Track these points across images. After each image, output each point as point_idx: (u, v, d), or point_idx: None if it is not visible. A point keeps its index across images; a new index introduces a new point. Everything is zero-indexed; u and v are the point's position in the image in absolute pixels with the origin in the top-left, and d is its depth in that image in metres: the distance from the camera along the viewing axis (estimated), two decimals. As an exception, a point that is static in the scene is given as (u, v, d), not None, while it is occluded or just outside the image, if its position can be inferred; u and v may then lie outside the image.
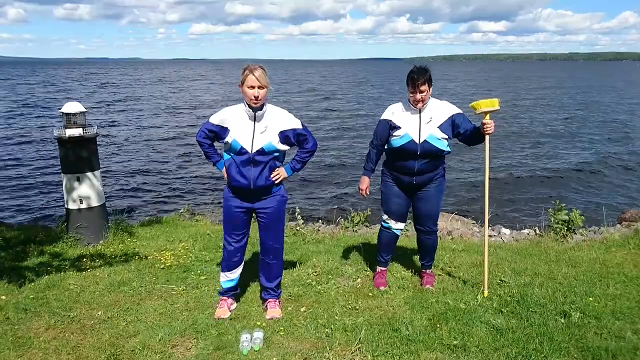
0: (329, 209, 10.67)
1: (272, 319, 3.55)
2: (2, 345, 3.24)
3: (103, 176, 6.23)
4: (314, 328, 3.39)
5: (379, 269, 4.21)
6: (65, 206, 5.65)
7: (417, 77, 3.57)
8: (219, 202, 11.04)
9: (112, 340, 3.29)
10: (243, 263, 3.74)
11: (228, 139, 3.38)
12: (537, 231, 6.15)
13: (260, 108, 3.33)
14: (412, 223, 4.18)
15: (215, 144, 3.59)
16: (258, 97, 3.25)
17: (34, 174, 15.37)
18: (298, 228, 6.09)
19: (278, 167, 3.49)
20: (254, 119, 3.35)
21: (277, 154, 3.43)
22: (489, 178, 3.89)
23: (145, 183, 14.61)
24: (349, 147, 20.18)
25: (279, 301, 3.75)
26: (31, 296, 4.01)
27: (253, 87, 3.24)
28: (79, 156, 5.47)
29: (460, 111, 3.77)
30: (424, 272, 4.21)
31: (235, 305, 3.80)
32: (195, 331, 3.38)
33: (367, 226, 6.57)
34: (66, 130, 5.37)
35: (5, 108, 32.58)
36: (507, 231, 6.59)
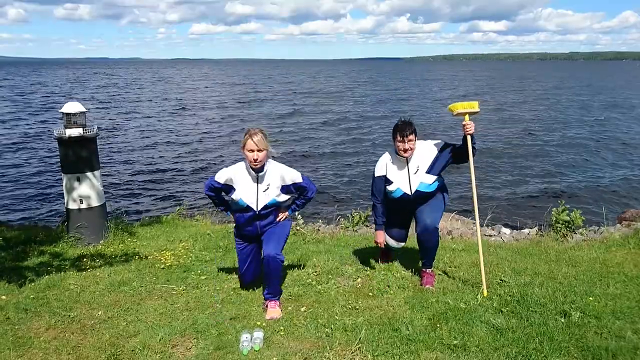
0: (329, 209, 10.67)
1: (271, 319, 3.56)
2: (3, 345, 3.24)
3: (103, 176, 6.23)
4: (314, 328, 3.39)
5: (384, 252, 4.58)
6: (66, 206, 5.66)
7: (404, 129, 3.85)
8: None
9: (113, 340, 3.29)
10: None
11: (234, 196, 3.72)
12: (538, 231, 6.15)
13: (261, 169, 3.62)
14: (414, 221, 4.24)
15: None
16: (257, 159, 3.53)
17: (35, 174, 15.38)
18: (298, 228, 6.09)
19: (279, 211, 3.88)
20: (257, 181, 3.66)
21: (279, 204, 3.80)
22: (479, 178, 4.00)
23: (145, 183, 14.62)
24: (349, 146, 20.18)
25: (279, 301, 3.76)
26: (31, 296, 4.02)
27: (252, 151, 3.51)
28: (79, 156, 5.48)
29: (442, 143, 4.02)
30: (424, 272, 4.22)
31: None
32: (195, 331, 3.38)
33: (367, 226, 6.57)
34: (66, 130, 5.38)
35: (5, 108, 32.58)
36: (507, 231, 6.59)
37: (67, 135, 5.36)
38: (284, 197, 3.76)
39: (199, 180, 14.89)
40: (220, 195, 3.87)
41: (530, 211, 11.48)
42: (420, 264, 4.31)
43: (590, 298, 3.68)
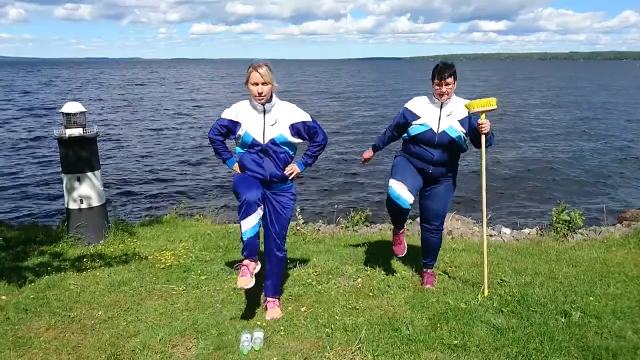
0: (329, 209, 10.66)
1: (272, 319, 3.55)
2: (3, 345, 3.24)
3: (103, 176, 6.23)
4: (315, 328, 3.39)
5: (395, 234, 4.26)
6: (66, 206, 5.66)
7: (444, 70, 3.64)
8: (219, 199, 11.06)
9: (113, 340, 3.29)
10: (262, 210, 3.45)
11: (240, 132, 3.44)
12: (538, 231, 6.15)
13: (269, 101, 3.39)
14: (418, 221, 4.18)
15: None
16: (262, 93, 3.31)
17: (35, 174, 15.38)
18: (298, 228, 6.09)
19: (290, 162, 3.55)
20: (264, 112, 3.41)
21: (288, 147, 3.49)
22: (485, 177, 3.93)
23: (145, 183, 14.62)
24: (349, 146, 20.18)
25: (279, 301, 3.75)
26: (31, 296, 4.02)
27: (257, 84, 3.30)
28: (79, 156, 5.48)
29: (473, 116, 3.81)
30: (425, 272, 4.21)
31: (258, 267, 3.51)
32: (195, 331, 3.38)
33: (367, 226, 6.57)
34: (66, 130, 5.38)
35: (5, 108, 32.60)
36: (507, 231, 6.59)
37: (67, 135, 5.36)
38: (293, 139, 3.46)
39: (199, 180, 14.90)
40: (225, 143, 3.60)
41: (531, 211, 11.48)
42: (421, 264, 4.31)
43: (591, 298, 3.68)
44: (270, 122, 3.41)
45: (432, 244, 4.09)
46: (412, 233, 6.24)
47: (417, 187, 3.87)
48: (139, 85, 62.95)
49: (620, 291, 3.85)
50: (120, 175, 15.43)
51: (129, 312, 3.73)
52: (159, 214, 8.81)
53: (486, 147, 3.75)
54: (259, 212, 3.36)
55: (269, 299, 3.71)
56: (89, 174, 5.54)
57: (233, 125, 3.47)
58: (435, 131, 3.74)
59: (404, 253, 4.28)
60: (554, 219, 5.67)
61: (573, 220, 5.55)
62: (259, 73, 3.27)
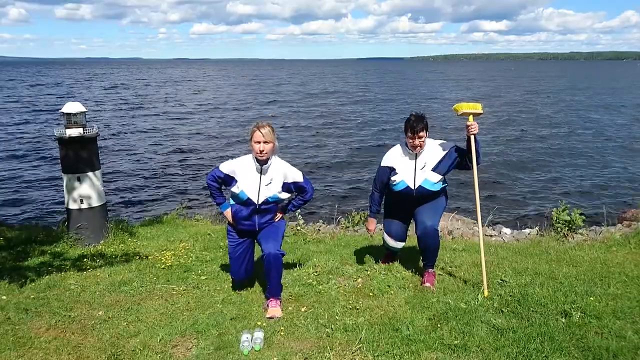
0: (329, 209, 10.66)
1: (272, 318, 3.56)
2: (3, 345, 3.24)
3: (104, 176, 6.23)
4: (315, 328, 3.39)
5: (387, 255, 4.64)
6: (66, 206, 5.66)
7: (416, 125, 3.85)
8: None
9: (113, 340, 3.29)
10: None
11: (235, 189, 3.74)
12: (538, 231, 6.15)
13: (266, 162, 3.67)
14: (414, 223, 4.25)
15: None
16: (263, 151, 3.59)
17: (35, 174, 15.38)
18: (299, 228, 6.09)
19: (278, 209, 3.90)
20: (261, 172, 3.69)
21: (279, 201, 3.84)
22: (480, 178, 4.06)
23: (146, 183, 14.62)
24: (350, 146, 20.18)
25: (280, 301, 3.76)
26: (32, 296, 4.02)
27: (259, 142, 3.57)
28: (79, 156, 5.47)
29: (453, 145, 4.05)
30: (425, 272, 4.24)
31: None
32: (195, 331, 3.38)
33: (367, 226, 6.57)
34: (67, 130, 5.37)
35: (6, 108, 32.60)
36: (508, 231, 6.58)
37: (67, 135, 5.36)
38: (284, 195, 3.80)
39: (200, 180, 14.89)
40: (221, 188, 3.88)
41: (531, 211, 11.48)
42: (421, 264, 4.31)
43: (591, 298, 3.68)
44: (265, 182, 3.71)
45: (430, 247, 4.15)
46: (412, 233, 6.23)
47: (404, 231, 4.38)
48: (139, 85, 62.94)
49: (621, 291, 3.85)
50: (121, 175, 15.43)
51: (130, 312, 3.74)
52: (159, 214, 8.81)
53: (476, 157, 3.91)
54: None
55: (269, 298, 3.73)
56: (90, 174, 5.54)
57: (229, 180, 3.76)
58: (413, 187, 4.03)
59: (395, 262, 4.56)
60: (555, 219, 5.67)
61: (573, 221, 5.54)
62: (261, 133, 3.56)
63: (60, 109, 5.56)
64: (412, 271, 4.42)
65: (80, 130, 5.41)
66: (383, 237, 4.49)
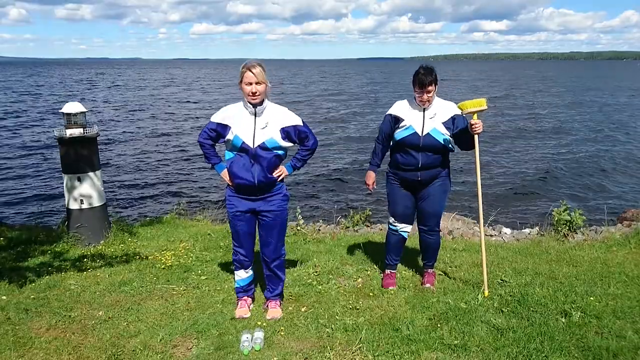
0: (329, 209, 10.66)
1: (272, 319, 3.55)
2: (4, 345, 3.24)
3: (104, 176, 6.23)
4: (315, 328, 3.39)
5: (388, 271, 4.21)
6: (66, 206, 5.66)
7: (424, 78, 3.64)
8: (219, 201, 11.04)
9: (113, 341, 3.29)
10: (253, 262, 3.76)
11: (229, 136, 3.41)
12: (538, 231, 6.14)
13: (260, 104, 3.37)
14: (415, 222, 4.21)
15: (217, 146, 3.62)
16: (256, 92, 3.29)
17: (35, 174, 15.38)
18: (299, 228, 6.09)
19: (279, 165, 3.52)
20: (255, 114, 3.38)
21: (278, 150, 3.45)
22: (481, 177, 3.98)
23: (146, 183, 14.61)
24: (350, 146, 20.18)
25: (281, 302, 3.75)
26: (32, 296, 4.02)
27: (250, 84, 3.28)
28: (79, 156, 5.47)
29: (461, 114, 3.83)
30: (425, 272, 4.23)
31: (252, 305, 3.79)
32: (196, 331, 3.39)
33: (367, 226, 6.57)
34: (67, 130, 5.37)
35: (6, 108, 32.61)
36: (508, 230, 6.58)
37: (67, 135, 5.36)
38: (284, 143, 3.43)
39: (200, 180, 14.89)
40: (214, 147, 3.59)
41: (531, 211, 11.48)
42: (421, 264, 4.31)
43: (591, 298, 3.68)
44: (261, 125, 3.37)
45: (431, 244, 4.11)
46: (412, 233, 6.23)
47: (412, 211, 4.05)
48: (139, 85, 62.96)
49: (621, 291, 3.85)
50: (121, 175, 15.43)
51: (130, 312, 3.74)
52: (160, 214, 8.81)
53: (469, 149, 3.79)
54: (250, 270, 3.70)
55: (269, 298, 3.72)
56: (90, 173, 5.54)
57: (222, 129, 3.44)
58: (420, 134, 3.76)
59: (395, 287, 4.12)
60: (555, 218, 5.67)
61: (574, 220, 5.54)
62: (253, 73, 3.26)
63: (61, 109, 5.56)
64: (412, 271, 4.42)
65: (81, 130, 5.41)
66: (389, 222, 4.14)
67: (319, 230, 6.43)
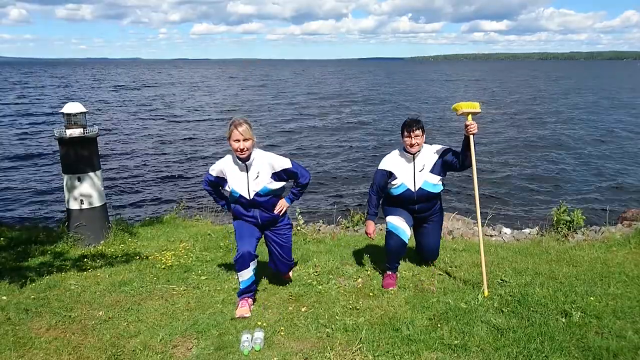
0: (329, 209, 10.67)
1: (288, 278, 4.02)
2: (4, 345, 3.24)
3: (104, 176, 6.23)
4: (315, 328, 3.39)
5: (388, 272, 4.24)
6: (66, 206, 5.66)
7: (411, 125, 3.97)
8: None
9: (113, 341, 3.29)
10: (256, 261, 3.82)
11: (227, 188, 3.79)
12: (539, 230, 6.14)
13: (248, 158, 3.65)
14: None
15: None
16: (243, 149, 3.58)
17: (36, 174, 15.38)
18: (299, 228, 6.09)
19: (278, 200, 3.86)
20: (246, 169, 3.70)
21: (274, 192, 3.79)
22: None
23: (146, 183, 14.62)
24: (350, 146, 20.18)
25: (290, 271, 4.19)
26: (32, 296, 4.02)
27: (238, 141, 3.56)
28: (79, 156, 5.48)
29: (448, 147, 4.12)
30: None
31: (253, 305, 3.82)
32: (196, 331, 3.39)
33: (367, 226, 6.56)
34: (67, 130, 5.38)
35: (6, 108, 32.62)
36: (508, 230, 6.58)
37: (67, 135, 5.36)
38: (277, 185, 3.75)
39: (200, 180, 14.89)
40: (218, 190, 3.95)
41: (532, 211, 11.47)
42: (421, 265, 4.32)
43: (591, 298, 3.68)
44: (253, 177, 3.69)
45: (431, 259, 4.60)
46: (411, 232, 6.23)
47: (411, 223, 4.24)
48: (140, 85, 62.95)
49: (621, 291, 3.85)
50: (121, 175, 15.43)
51: (130, 312, 3.74)
52: (160, 214, 8.81)
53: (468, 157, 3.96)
54: (253, 265, 3.74)
55: (284, 273, 4.14)
56: (90, 174, 5.54)
57: (220, 181, 3.81)
58: (413, 190, 4.10)
59: (395, 287, 4.12)
60: (555, 218, 5.67)
61: (574, 220, 5.54)
62: (239, 131, 3.54)
63: (61, 109, 5.56)
64: (412, 271, 4.42)
65: (81, 130, 5.41)
66: (387, 226, 4.19)
67: (319, 230, 6.43)
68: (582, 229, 5.71)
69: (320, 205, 12.12)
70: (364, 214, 6.62)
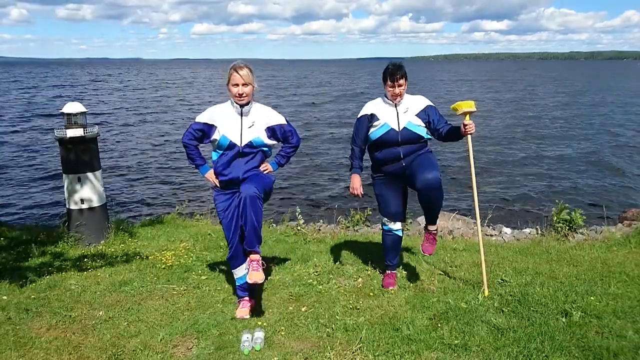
0: (329, 209, 10.66)
1: (255, 284, 3.43)
2: (4, 345, 3.24)
3: (104, 176, 6.23)
4: (315, 328, 3.39)
5: (388, 271, 4.21)
6: (67, 206, 5.66)
7: (395, 72, 3.71)
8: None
9: (114, 340, 3.29)
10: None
11: (216, 135, 3.49)
12: (539, 230, 6.14)
13: (247, 104, 3.48)
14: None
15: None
16: (242, 94, 3.39)
17: (36, 175, 15.39)
18: (299, 228, 6.09)
19: (265, 160, 3.65)
20: (241, 114, 3.48)
21: (264, 148, 3.58)
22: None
23: (146, 183, 14.62)
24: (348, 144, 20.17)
25: (261, 260, 3.46)
26: (33, 296, 4.02)
27: (237, 85, 3.38)
28: (79, 156, 5.48)
29: (432, 104, 3.90)
30: (426, 232, 4.12)
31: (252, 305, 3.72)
32: (196, 331, 3.39)
33: (367, 225, 6.57)
34: (67, 130, 5.38)
35: (6, 108, 32.62)
36: (508, 230, 6.58)
37: (67, 135, 5.36)
38: (269, 141, 3.56)
39: (200, 180, 14.89)
40: (199, 148, 3.63)
41: (532, 211, 11.47)
42: (421, 265, 4.30)
43: (592, 298, 3.67)
44: (247, 124, 3.48)
45: (433, 200, 3.74)
46: (413, 233, 6.24)
47: (404, 209, 4.07)
48: (140, 85, 62.96)
49: (621, 291, 3.84)
50: (121, 175, 15.44)
51: (130, 312, 3.74)
52: (160, 214, 8.81)
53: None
54: (246, 263, 3.57)
55: (250, 256, 3.46)
56: (90, 174, 5.54)
57: (208, 129, 3.49)
58: (397, 129, 3.78)
59: (395, 287, 4.08)
60: (554, 219, 5.67)
61: (573, 220, 5.54)
62: (240, 74, 3.36)
63: (61, 109, 5.56)
64: (412, 271, 4.42)
65: (81, 130, 5.41)
66: (382, 224, 4.13)
67: (319, 230, 6.43)
68: (583, 229, 5.72)
69: (321, 205, 12.12)
70: (364, 213, 6.63)
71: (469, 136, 3.75)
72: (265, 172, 3.60)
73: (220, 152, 3.53)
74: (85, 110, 5.55)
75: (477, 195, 4.02)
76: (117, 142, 21.09)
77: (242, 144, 3.47)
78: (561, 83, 66.87)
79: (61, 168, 5.67)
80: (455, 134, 3.77)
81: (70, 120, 5.40)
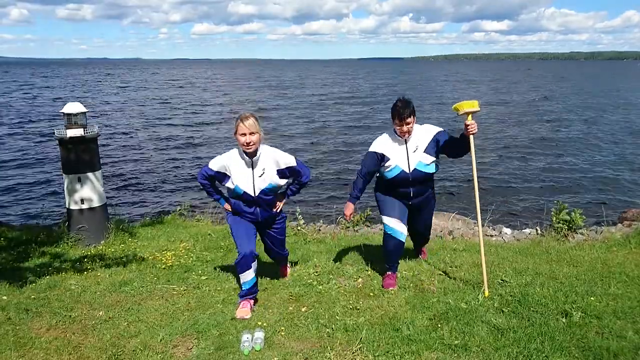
0: (329, 209, 10.66)
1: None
2: (4, 345, 3.24)
3: (104, 176, 6.23)
4: (315, 328, 3.39)
5: (388, 272, 4.23)
6: (67, 207, 5.66)
7: (403, 111, 3.77)
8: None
9: (114, 341, 3.29)
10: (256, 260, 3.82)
11: (229, 184, 3.70)
12: (539, 231, 6.14)
13: (255, 153, 3.60)
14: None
15: None
16: (250, 143, 3.51)
17: (36, 175, 15.39)
18: (299, 228, 6.09)
19: (278, 198, 3.88)
20: (252, 166, 3.64)
21: (277, 189, 3.79)
22: (477, 178, 4.02)
23: (146, 183, 14.63)
24: (350, 146, 20.18)
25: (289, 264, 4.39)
26: (32, 296, 4.02)
27: (244, 134, 3.50)
28: (80, 157, 5.48)
29: (441, 129, 4.00)
30: (421, 250, 4.87)
31: (254, 306, 3.80)
32: (196, 331, 3.39)
33: (368, 226, 6.57)
34: (67, 130, 5.38)
35: (7, 108, 32.63)
36: (508, 231, 6.58)
37: (67, 135, 5.36)
38: (281, 181, 3.73)
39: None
40: (214, 185, 3.85)
41: (532, 211, 11.47)
42: (420, 266, 4.32)
43: (592, 298, 3.67)
44: (258, 173, 3.64)
45: (424, 240, 4.72)
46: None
47: (406, 216, 4.15)
48: (140, 86, 62.96)
49: (621, 291, 3.84)
50: (121, 175, 15.44)
51: (130, 312, 3.74)
52: (160, 215, 8.81)
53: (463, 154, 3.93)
54: (254, 265, 3.72)
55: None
56: (90, 174, 5.54)
57: (221, 177, 3.71)
58: (408, 171, 3.92)
59: (395, 287, 4.11)
60: (554, 219, 5.67)
61: (573, 220, 5.54)
62: (245, 125, 3.48)
63: (61, 110, 5.56)
64: (412, 271, 4.42)
65: (81, 130, 5.42)
66: (384, 227, 4.16)
67: (319, 230, 6.43)
68: (583, 229, 5.71)
69: (320, 205, 12.12)
70: (364, 214, 6.63)
71: (471, 136, 3.76)
72: (279, 209, 3.89)
73: (236, 199, 3.77)
74: (85, 110, 5.55)
75: (479, 197, 4.01)
76: (117, 142, 21.09)
77: (256, 194, 3.67)
78: (562, 83, 66.84)
79: (61, 168, 5.67)
80: (459, 142, 3.84)
81: (71, 120, 5.41)
